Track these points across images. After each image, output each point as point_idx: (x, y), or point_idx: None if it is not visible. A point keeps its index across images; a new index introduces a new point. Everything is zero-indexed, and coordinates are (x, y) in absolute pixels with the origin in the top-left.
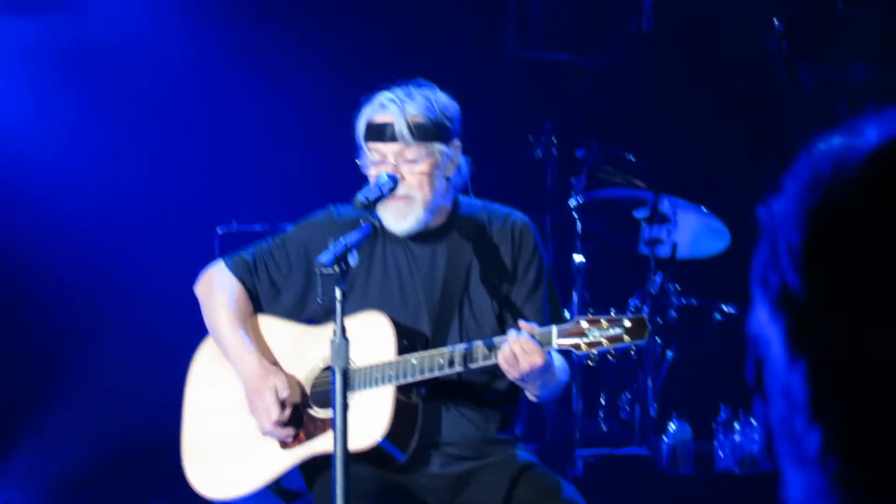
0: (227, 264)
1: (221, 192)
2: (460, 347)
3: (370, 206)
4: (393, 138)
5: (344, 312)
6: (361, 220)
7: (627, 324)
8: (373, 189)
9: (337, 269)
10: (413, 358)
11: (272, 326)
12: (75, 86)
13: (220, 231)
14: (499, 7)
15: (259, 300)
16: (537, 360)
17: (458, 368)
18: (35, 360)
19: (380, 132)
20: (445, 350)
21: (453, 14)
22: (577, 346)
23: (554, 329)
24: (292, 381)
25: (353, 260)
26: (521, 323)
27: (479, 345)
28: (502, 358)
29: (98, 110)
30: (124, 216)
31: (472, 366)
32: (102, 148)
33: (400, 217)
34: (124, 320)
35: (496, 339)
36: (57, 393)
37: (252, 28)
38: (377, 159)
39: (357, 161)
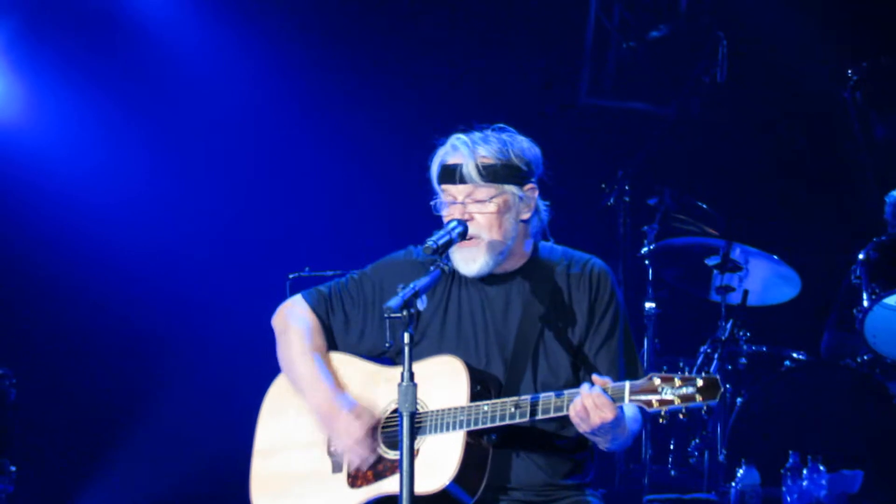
0: (304, 298)
1: (294, 238)
2: (532, 397)
3: (440, 251)
4: (462, 180)
5: (415, 356)
6: (431, 266)
7: (700, 383)
8: (442, 234)
9: (405, 313)
10: (485, 405)
11: (345, 364)
12: (149, 131)
13: (291, 276)
14: (574, 56)
15: (333, 335)
16: (608, 415)
17: (528, 418)
18: (110, 400)
19: (450, 173)
20: (517, 399)
21: (528, 62)
22: (649, 404)
23: (627, 385)
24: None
25: (421, 304)
26: (595, 378)
27: (550, 396)
28: (573, 411)
29: (172, 156)
30: (198, 263)
31: (543, 416)
32: (175, 194)
33: (469, 260)
34: (197, 362)
35: (568, 392)
36: (131, 432)
37: (328, 76)
38: (449, 200)
39: (431, 203)
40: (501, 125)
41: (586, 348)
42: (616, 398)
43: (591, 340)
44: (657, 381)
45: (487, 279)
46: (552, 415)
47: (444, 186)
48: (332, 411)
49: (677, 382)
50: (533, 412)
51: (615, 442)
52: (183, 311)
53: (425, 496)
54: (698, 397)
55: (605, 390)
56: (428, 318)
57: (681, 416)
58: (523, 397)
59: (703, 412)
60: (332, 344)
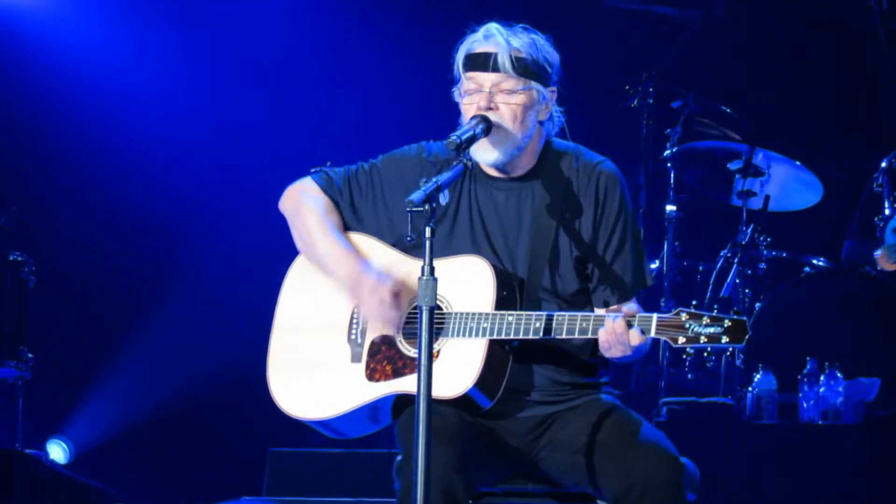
0: (314, 179)
1: (316, 133)
2: (557, 317)
3: (462, 147)
4: (494, 68)
5: (433, 251)
6: (454, 161)
7: (728, 324)
8: (466, 129)
9: (427, 207)
10: (510, 315)
11: (368, 248)
12: (180, 26)
13: (312, 171)
14: None
15: (342, 218)
16: (635, 343)
17: (551, 335)
18: (129, 291)
19: (481, 61)
20: (543, 315)
21: None
22: (675, 340)
23: (654, 318)
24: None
25: (443, 199)
26: (625, 308)
27: (577, 318)
28: (602, 338)
29: (199, 52)
30: (221, 158)
31: (566, 336)
32: (201, 90)
33: (488, 149)
34: (217, 257)
35: (595, 316)
36: (148, 324)
37: None
38: (472, 88)
39: (453, 91)
40: (525, 25)
41: (596, 259)
42: (643, 330)
43: (601, 252)
44: (684, 317)
45: (498, 183)
46: (576, 336)
47: (471, 74)
48: (359, 278)
49: (705, 320)
50: (557, 331)
51: (628, 359)
52: (205, 206)
53: (444, 400)
54: (724, 339)
55: (632, 322)
56: (438, 214)
57: (705, 355)
58: (548, 314)
59: (727, 354)
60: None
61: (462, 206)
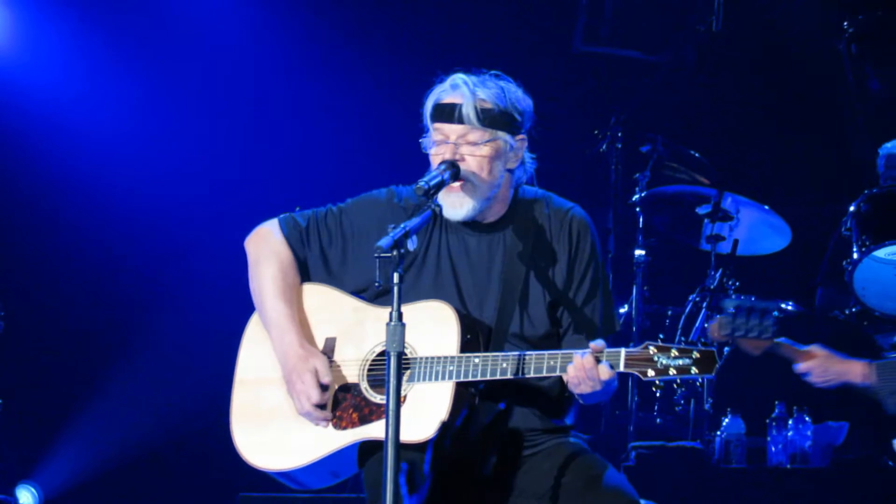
0: (280, 225)
1: (284, 178)
2: (525, 356)
3: (430, 193)
4: (459, 119)
5: (401, 297)
6: (423, 207)
7: (696, 355)
8: (434, 175)
9: (395, 253)
10: (476, 357)
11: (332, 300)
12: (149, 70)
13: (281, 217)
14: (570, 2)
15: (308, 268)
16: (604, 377)
17: (519, 375)
18: (100, 335)
19: (447, 112)
20: (510, 356)
21: (523, 8)
22: (644, 373)
23: (622, 353)
24: (345, 361)
25: (411, 245)
26: (592, 344)
27: (543, 356)
28: (571, 373)
29: (165, 93)
30: (189, 202)
31: (535, 375)
32: (167, 131)
33: (457, 204)
34: (186, 300)
35: (562, 353)
36: (120, 367)
37: (319, 19)
38: (439, 139)
39: (420, 141)
40: (497, 72)
41: (568, 304)
42: (612, 365)
43: (572, 297)
44: (653, 350)
45: (469, 229)
46: (544, 374)
47: (437, 125)
48: (298, 369)
49: (673, 353)
50: (525, 370)
51: (594, 397)
52: (173, 251)
53: (411, 444)
54: (694, 370)
55: (600, 358)
56: (407, 260)
57: (675, 386)
58: (515, 353)
59: (698, 385)
60: (307, 277)
61: (431, 252)
